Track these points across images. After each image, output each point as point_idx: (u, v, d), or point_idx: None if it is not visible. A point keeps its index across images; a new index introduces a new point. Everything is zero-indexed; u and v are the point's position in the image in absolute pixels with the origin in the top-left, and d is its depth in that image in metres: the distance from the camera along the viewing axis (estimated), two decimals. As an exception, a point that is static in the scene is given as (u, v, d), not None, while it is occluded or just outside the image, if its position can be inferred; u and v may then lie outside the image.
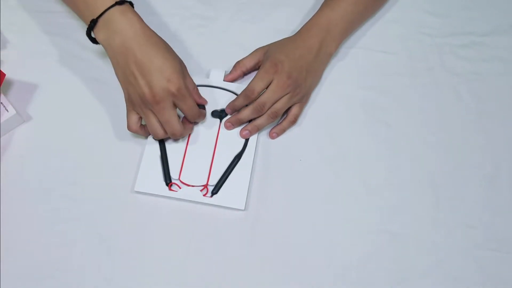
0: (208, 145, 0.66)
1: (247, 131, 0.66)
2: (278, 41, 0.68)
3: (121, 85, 0.61)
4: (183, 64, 0.62)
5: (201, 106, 0.66)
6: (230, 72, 0.70)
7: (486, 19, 0.76)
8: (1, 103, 0.65)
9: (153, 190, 0.63)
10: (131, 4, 0.61)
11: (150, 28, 0.60)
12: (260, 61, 0.68)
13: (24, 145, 0.65)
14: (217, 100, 0.68)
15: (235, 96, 0.67)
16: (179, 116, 0.61)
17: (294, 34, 0.68)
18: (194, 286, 0.59)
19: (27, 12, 0.74)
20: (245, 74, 0.70)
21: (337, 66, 0.72)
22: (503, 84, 0.72)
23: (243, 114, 0.65)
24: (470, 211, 0.64)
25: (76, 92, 0.69)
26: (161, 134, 0.61)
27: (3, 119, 0.64)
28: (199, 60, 0.72)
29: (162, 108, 0.58)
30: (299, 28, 0.69)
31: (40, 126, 0.67)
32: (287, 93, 0.64)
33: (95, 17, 0.59)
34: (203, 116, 0.65)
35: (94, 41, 0.62)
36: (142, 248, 0.61)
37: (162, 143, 0.65)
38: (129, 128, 0.62)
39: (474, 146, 0.68)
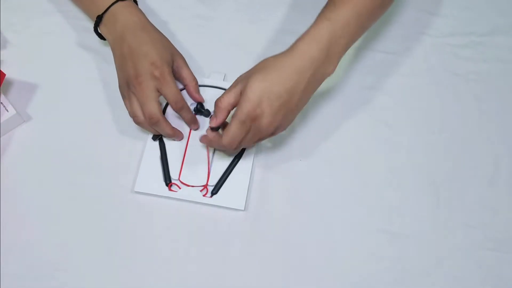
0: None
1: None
2: (261, 66, 0.56)
3: (116, 72, 0.64)
4: (179, 58, 0.65)
5: (201, 111, 0.65)
6: (214, 114, 0.58)
7: (486, 19, 0.76)
8: (1, 103, 0.65)
9: (153, 191, 0.63)
10: (135, 2, 0.67)
11: (149, 22, 0.65)
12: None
13: (24, 145, 0.65)
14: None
15: None
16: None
17: (285, 53, 0.56)
18: (194, 286, 0.59)
19: (27, 12, 0.74)
20: (229, 111, 0.58)
21: (337, 66, 0.72)
22: (503, 84, 0.72)
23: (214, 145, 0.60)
24: (470, 211, 0.64)
25: (76, 92, 0.69)
26: (139, 115, 0.60)
27: (3, 119, 0.64)
28: (199, 60, 0.71)
29: (143, 88, 0.59)
30: (293, 42, 0.57)
31: (40, 126, 0.67)
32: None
33: (100, 13, 0.64)
34: (194, 124, 0.65)
35: (100, 36, 0.67)
36: (142, 248, 0.61)
37: (162, 143, 0.65)
38: (130, 114, 0.62)
39: (474, 146, 0.68)
